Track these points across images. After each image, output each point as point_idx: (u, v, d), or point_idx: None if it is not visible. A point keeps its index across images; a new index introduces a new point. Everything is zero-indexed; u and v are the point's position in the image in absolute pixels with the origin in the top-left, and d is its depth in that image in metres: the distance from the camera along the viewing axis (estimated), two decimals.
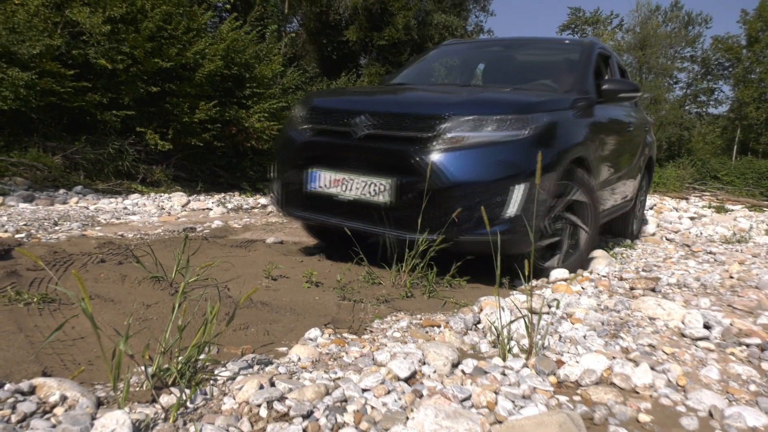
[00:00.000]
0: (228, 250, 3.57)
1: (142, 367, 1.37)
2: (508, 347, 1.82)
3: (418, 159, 2.80)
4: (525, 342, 1.91)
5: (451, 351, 1.73)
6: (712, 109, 33.03)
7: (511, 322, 1.89)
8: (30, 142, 7.45)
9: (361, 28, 16.75)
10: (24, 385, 1.27)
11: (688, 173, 19.61)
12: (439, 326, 2.17)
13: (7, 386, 1.26)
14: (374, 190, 2.91)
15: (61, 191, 6.42)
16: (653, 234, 5.80)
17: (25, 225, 3.99)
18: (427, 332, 2.10)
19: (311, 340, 1.93)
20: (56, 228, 4.01)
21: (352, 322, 2.20)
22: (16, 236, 3.58)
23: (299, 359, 1.70)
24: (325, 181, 3.08)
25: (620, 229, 5.18)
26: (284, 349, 1.86)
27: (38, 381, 1.30)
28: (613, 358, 1.77)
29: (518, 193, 2.77)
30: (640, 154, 4.91)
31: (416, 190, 2.79)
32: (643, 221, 6.20)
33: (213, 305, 1.48)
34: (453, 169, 2.77)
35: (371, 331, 2.10)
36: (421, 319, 2.28)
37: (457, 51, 4.98)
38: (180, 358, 1.43)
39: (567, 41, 4.74)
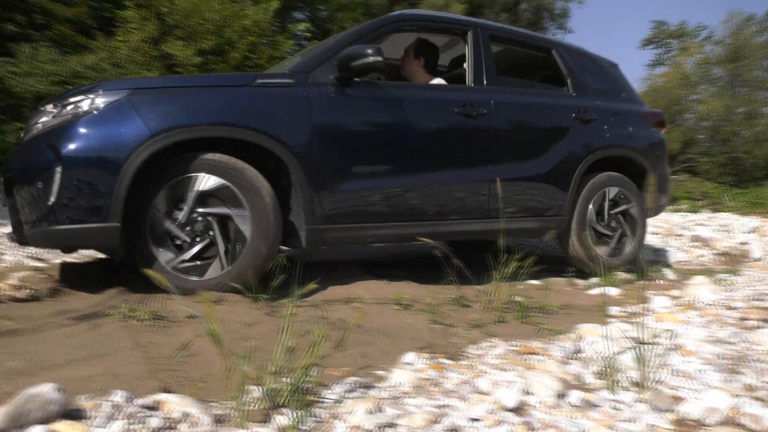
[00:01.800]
0: (317, 269, 3.63)
1: (255, 387, 1.41)
2: (615, 380, 1.73)
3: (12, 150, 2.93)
4: (633, 374, 1.81)
5: (554, 381, 1.67)
6: None
7: (620, 353, 1.80)
8: None
9: None
10: (149, 401, 1.34)
11: None
12: (537, 354, 2.10)
13: (136, 401, 1.34)
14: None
15: None
16: (759, 259, 5.38)
17: None
18: (525, 360, 2.03)
19: (408, 364, 1.92)
20: None
21: (447, 347, 2.17)
22: None
23: (400, 384, 1.69)
24: None
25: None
26: (382, 372, 1.85)
27: (161, 397, 1.37)
28: (737, 395, 1.63)
29: (57, 177, 2.42)
30: (560, 152, 3.69)
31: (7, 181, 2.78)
32: (640, 250, 4.16)
33: (319, 327, 1.50)
34: (20, 157, 2.71)
35: (468, 357, 2.06)
36: (517, 345, 2.22)
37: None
38: (289, 379, 1.46)
39: None
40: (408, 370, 1.84)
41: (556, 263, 4.17)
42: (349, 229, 3.07)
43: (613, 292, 3.50)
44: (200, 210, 2.70)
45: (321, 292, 3.05)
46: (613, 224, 3.97)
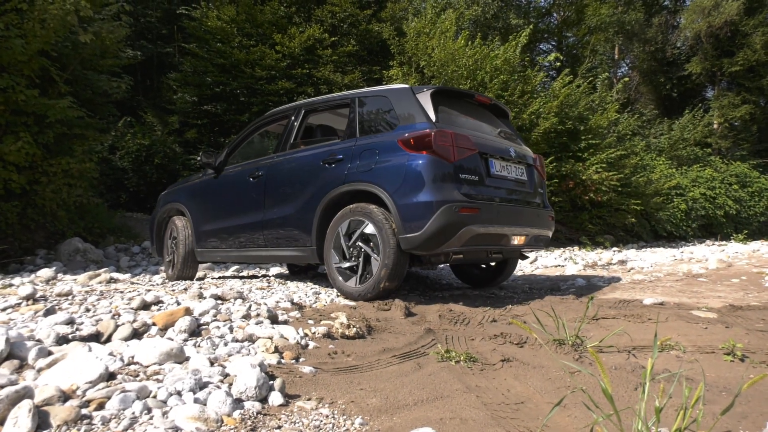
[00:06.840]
0: (608, 312, 3.37)
1: None
2: None
3: None
4: None
5: None
6: None
7: None
8: None
9: (707, 58, 14.90)
10: None
11: None
12: None
13: None
14: None
15: None
16: None
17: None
18: None
19: None
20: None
21: None
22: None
23: None
24: None
25: None
26: None
27: None
28: None
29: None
30: (305, 195, 4.22)
31: None
32: (383, 280, 3.66)
33: (689, 386, 1.32)
34: None
35: None
36: None
37: None
38: None
39: None
40: None
41: None
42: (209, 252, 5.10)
43: None
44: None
45: (624, 335, 2.80)
46: (356, 251, 3.92)
